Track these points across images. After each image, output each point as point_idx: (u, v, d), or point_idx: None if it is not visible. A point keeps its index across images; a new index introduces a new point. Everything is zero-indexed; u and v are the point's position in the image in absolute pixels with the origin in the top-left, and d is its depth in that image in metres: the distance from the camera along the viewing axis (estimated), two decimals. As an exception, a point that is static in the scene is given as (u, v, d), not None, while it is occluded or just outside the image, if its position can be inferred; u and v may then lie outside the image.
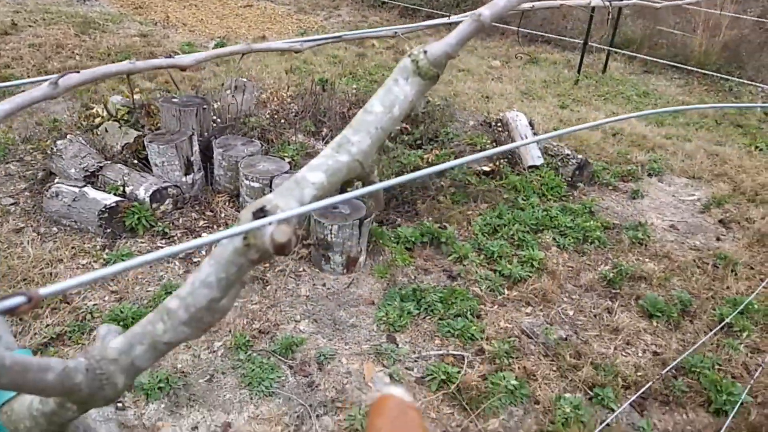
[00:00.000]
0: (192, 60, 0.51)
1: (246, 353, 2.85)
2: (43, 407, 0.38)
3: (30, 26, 7.16)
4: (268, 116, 4.62)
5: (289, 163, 3.88)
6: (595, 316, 3.29)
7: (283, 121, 4.62)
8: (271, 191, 3.00)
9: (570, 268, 3.67)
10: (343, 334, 3.04)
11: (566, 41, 8.25)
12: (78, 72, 0.47)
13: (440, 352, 2.95)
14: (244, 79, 4.99)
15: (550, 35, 8.38)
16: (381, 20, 9.27)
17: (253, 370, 2.75)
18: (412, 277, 3.47)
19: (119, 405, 2.56)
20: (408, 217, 4.02)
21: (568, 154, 4.70)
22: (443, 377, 2.75)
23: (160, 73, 6.06)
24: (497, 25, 7.98)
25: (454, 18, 1.53)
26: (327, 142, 4.55)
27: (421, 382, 2.78)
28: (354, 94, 5.23)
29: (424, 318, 3.16)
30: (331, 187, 0.42)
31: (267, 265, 3.47)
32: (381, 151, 4.53)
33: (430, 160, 4.37)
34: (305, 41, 0.85)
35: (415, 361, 2.90)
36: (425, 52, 0.37)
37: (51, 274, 3.27)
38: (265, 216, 0.38)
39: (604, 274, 3.59)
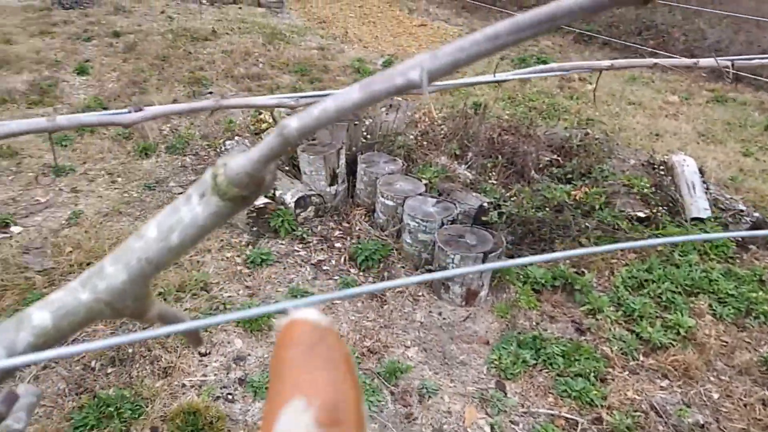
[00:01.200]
0: (140, 116, 0.50)
1: (352, 370, 2.88)
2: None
3: (227, 34, 8.01)
4: (415, 136, 4.66)
5: (426, 185, 3.87)
6: (745, 405, 2.82)
7: (429, 142, 4.63)
8: (402, 211, 2.98)
9: (724, 344, 3.20)
10: (450, 369, 2.94)
11: (762, 80, 7.27)
12: (63, 121, 0.48)
13: (552, 412, 2.73)
14: (400, 99, 5.10)
15: (743, 73, 7.46)
16: (553, 45, 8.94)
17: (355, 388, 2.76)
18: (535, 322, 3.26)
19: (229, 396, 2.73)
20: (543, 257, 3.80)
21: (742, 210, 4.12)
22: (548, 439, 2.54)
23: (327, 84, 6.43)
24: (682, 58, 7.29)
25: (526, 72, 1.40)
26: (470, 167, 4.49)
27: (524, 439, 2.59)
28: (507, 120, 5.09)
29: (541, 370, 2.95)
30: (58, 333, 0.33)
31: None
32: (525, 182, 4.35)
33: (577, 197, 4.09)
34: (301, 96, 0.81)
35: (522, 415, 2.71)
36: (225, 165, 0.30)
37: (198, 261, 3.60)
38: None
39: (765, 357, 3.07)
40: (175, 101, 5.70)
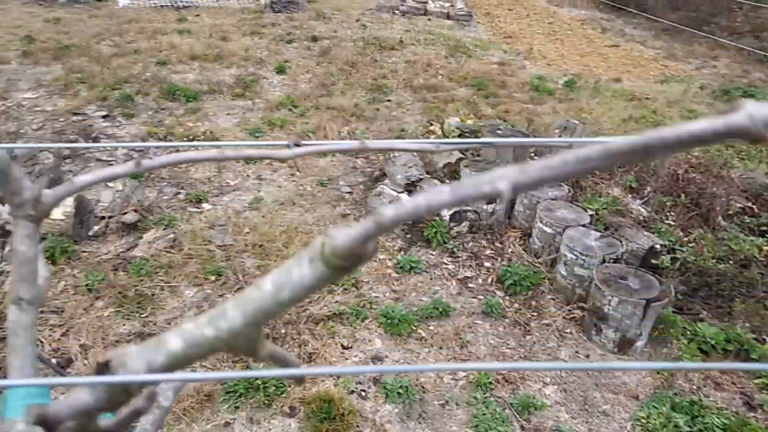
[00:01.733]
0: (296, 152, 0.53)
1: (484, 394, 2.83)
2: None
3: (412, 44, 8.31)
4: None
5: (591, 216, 3.66)
6: None
7: (603, 170, 4.37)
8: (561, 240, 2.86)
9: None
10: (590, 417, 2.76)
11: None
12: (151, 158, 0.54)
13: (700, 487, 2.44)
14: (576, 121, 4.88)
15: None
16: (766, 77, 7.92)
17: (485, 414, 2.71)
18: (696, 386, 2.93)
19: (362, 393, 2.84)
20: (716, 314, 3.40)
21: None
22: None
23: (502, 101, 6.36)
24: None
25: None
26: (646, 203, 4.15)
27: None
28: (696, 157, 4.62)
29: (694, 439, 2.64)
30: (186, 360, 0.37)
31: (535, 312, 3.37)
32: (709, 228, 3.91)
33: (770, 254, 3.59)
34: (441, 143, 0.80)
35: (664, 483, 2.46)
36: (332, 237, 0.32)
37: (353, 259, 3.78)
38: (107, 373, 0.36)
39: None
40: (356, 105, 6.04)
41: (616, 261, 3.26)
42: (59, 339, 3.08)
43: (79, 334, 3.08)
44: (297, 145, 0.53)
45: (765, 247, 3.61)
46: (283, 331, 3.17)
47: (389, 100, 6.33)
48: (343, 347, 3.10)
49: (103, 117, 5.60)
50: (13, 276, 0.48)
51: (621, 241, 3.40)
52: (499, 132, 4.24)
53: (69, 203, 3.78)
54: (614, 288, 3.00)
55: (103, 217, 4.08)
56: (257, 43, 7.97)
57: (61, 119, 5.47)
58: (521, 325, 3.27)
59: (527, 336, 3.22)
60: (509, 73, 7.44)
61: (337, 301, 3.40)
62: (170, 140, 5.15)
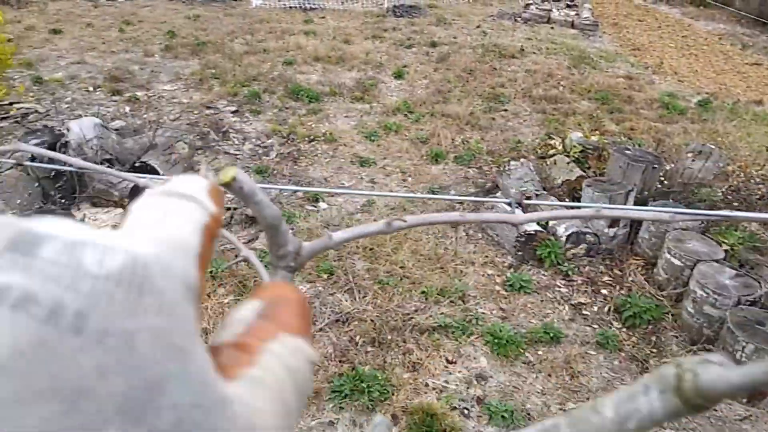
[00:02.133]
0: (526, 217, 0.52)
1: None
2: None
3: (533, 53, 8.11)
4: (724, 191, 4.11)
5: (726, 251, 3.39)
6: None
7: (741, 201, 4.03)
8: (690, 275, 2.67)
9: None
10: (710, 469, 2.56)
11: None
12: (405, 221, 0.54)
13: None
14: (712, 145, 4.54)
15: None
16: None
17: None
18: (840, 452, 2.63)
19: (465, 411, 2.81)
20: None
21: None
22: None
23: (627, 117, 6.05)
24: None
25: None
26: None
27: None
28: None
29: None
30: None
31: (654, 349, 3.17)
32: None
33: None
34: (677, 212, 0.74)
35: None
36: (695, 374, 0.28)
37: (461, 271, 3.76)
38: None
39: None
40: (471, 114, 5.99)
41: (752, 304, 2.99)
42: (184, 320, 3.31)
43: (202, 318, 3.29)
44: (519, 204, 0.52)
45: None
46: (389, 337, 3.20)
47: (506, 110, 6.22)
48: (448, 361, 3.09)
49: (233, 112, 5.95)
50: None
51: (760, 283, 3.12)
52: (628, 152, 4.03)
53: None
54: (750, 334, 2.76)
55: (228, 208, 4.35)
56: (378, 47, 8.13)
57: (196, 111, 5.88)
58: (639, 361, 3.09)
59: (645, 373, 3.04)
60: (636, 88, 7.06)
61: (443, 313, 3.39)
62: (293, 139, 5.37)
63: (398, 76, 7.02)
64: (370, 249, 3.92)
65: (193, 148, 5.07)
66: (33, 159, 4.06)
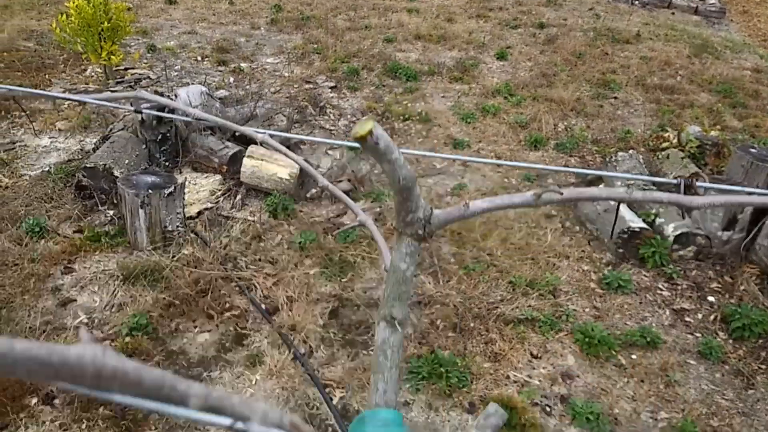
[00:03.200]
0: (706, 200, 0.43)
1: (688, 445, 2.49)
2: None
3: (650, 39, 7.55)
4: None
5: None
6: None
7: None
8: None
9: None
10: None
11: None
12: (561, 193, 0.46)
13: None
14: None
15: None
16: None
17: (686, 468, 2.39)
18: None
19: (547, 408, 2.67)
20: None
21: None
22: None
23: (752, 113, 5.50)
24: None
25: None
26: None
27: None
28: None
29: None
30: None
31: (763, 365, 2.87)
32: None
33: None
34: None
35: None
36: None
37: (554, 264, 3.57)
38: None
39: None
40: (577, 99, 5.68)
41: None
42: (270, 287, 3.38)
43: (288, 287, 3.35)
44: (689, 186, 0.43)
45: None
46: (471, 324, 3.11)
47: (616, 97, 5.85)
48: (532, 355, 2.95)
49: (331, 88, 6.00)
50: (387, 292, 0.46)
51: None
52: (753, 151, 3.64)
53: (296, 166, 4.11)
54: None
55: (230, 188, 4.36)
56: (481, 26, 7.89)
57: (296, 85, 5.98)
58: (744, 376, 2.81)
59: (750, 390, 2.76)
60: (765, 82, 6.41)
61: (530, 306, 3.24)
62: (387, 117, 5.34)
63: (501, 57, 6.78)
64: (458, 234, 3.82)
65: (291, 121, 5.16)
66: (143, 121, 4.29)
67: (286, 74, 6.25)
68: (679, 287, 3.39)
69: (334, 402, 2.66)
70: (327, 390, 2.72)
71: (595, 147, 4.89)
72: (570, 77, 6.22)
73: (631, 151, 4.22)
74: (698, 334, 3.08)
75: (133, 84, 5.78)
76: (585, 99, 5.71)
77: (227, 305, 3.23)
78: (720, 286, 3.39)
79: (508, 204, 0.46)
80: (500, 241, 3.75)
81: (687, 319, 3.20)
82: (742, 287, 3.35)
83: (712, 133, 4.16)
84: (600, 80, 6.13)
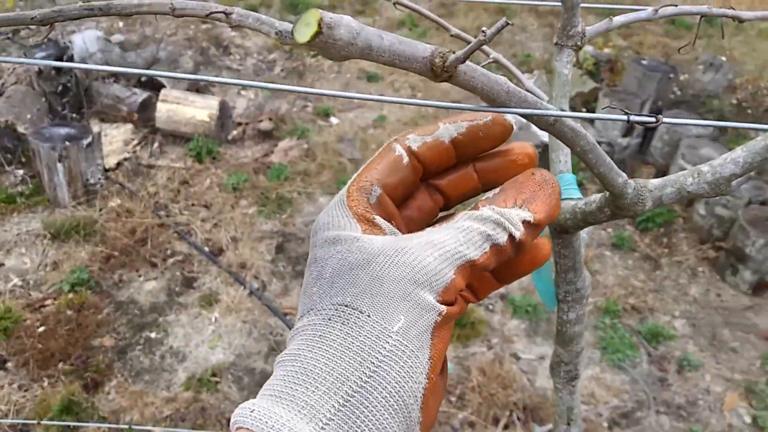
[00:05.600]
0: None
1: (612, 320, 2.88)
2: (585, 207, 0.50)
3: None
4: (734, 104, 4.18)
5: (738, 158, 3.49)
6: None
7: (750, 114, 4.12)
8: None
9: None
10: (717, 352, 2.76)
11: None
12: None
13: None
14: (723, 58, 4.57)
15: None
16: None
17: (612, 338, 2.78)
18: (838, 337, 2.84)
19: (490, 307, 2.96)
20: None
21: None
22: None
23: (636, 32, 6.01)
24: None
25: None
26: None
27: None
28: None
29: (832, 387, 2.60)
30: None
31: (666, 249, 3.33)
32: None
33: None
34: None
35: (797, 423, 2.46)
36: None
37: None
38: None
39: None
40: (478, 27, 5.89)
41: (763, 204, 3.13)
42: (210, 230, 3.38)
43: (229, 227, 3.36)
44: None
45: None
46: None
47: (512, 24, 6.13)
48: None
49: (231, 27, 5.78)
50: (555, 93, 0.56)
51: (769, 185, 3.25)
52: (644, 63, 4.04)
53: (215, 106, 4.02)
54: (762, 230, 2.91)
55: (240, 123, 4.32)
56: (375, -41, 7.82)
57: (192, 26, 5.70)
58: (652, 260, 3.25)
59: (657, 271, 3.20)
60: (642, 2, 6.96)
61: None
62: (297, 54, 5.27)
63: (399, -10, 6.81)
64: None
65: (197, 63, 4.97)
66: (40, 72, 3.98)
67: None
68: (589, 191, 3.78)
69: (297, 326, 2.78)
70: (288, 317, 2.83)
71: (502, 72, 5.15)
72: (468, 6, 6.41)
73: (535, 72, 4.52)
74: (610, 230, 3.48)
75: (10, 35, 5.25)
76: (485, 27, 5.93)
77: (169, 252, 3.20)
78: (621, 186, 3.81)
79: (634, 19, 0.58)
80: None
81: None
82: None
83: (606, 50, 4.54)
84: (496, 9, 6.37)
